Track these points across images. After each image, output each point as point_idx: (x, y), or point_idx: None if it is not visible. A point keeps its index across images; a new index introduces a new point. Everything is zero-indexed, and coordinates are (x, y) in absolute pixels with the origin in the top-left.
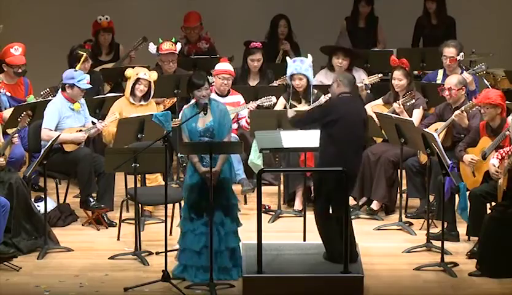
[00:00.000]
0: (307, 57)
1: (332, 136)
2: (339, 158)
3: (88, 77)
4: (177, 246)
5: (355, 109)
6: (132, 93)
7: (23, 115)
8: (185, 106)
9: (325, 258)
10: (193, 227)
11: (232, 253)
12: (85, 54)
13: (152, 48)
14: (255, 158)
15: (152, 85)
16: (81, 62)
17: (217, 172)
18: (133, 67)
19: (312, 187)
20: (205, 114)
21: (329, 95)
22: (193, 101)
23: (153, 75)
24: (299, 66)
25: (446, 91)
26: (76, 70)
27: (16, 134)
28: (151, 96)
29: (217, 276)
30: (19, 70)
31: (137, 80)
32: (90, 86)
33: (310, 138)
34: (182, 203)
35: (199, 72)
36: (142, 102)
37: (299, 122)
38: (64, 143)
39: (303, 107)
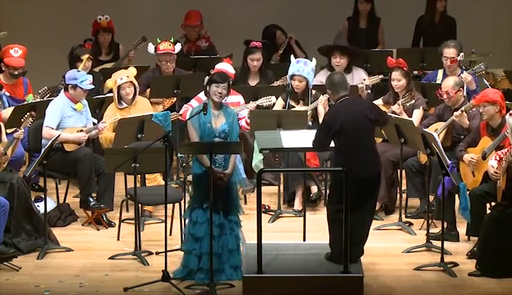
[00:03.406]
0: (311, 60)
1: (339, 145)
2: (345, 165)
3: (90, 77)
4: (177, 246)
5: (355, 112)
6: (121, 100)
7: (26, 115)
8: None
9: (326, 258)
10: (207, 230)
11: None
12: (88, 54)
13: (150, 48)
14: (259, 161)
15: (135, 82)
16: (84, 61)
17: (229, 174)
18: (132, 67)
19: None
20: (205, 114)
21: (327, 95)
22: (197, 105)
23: (131, 72)
24: (302, 68)
25: (444, 94)
26: (79, 71)
27: (22, 129)
28: (138, 91)
29: (229, 276)
30: (16, 72)
31: (119, 87)
32: (93, 86)
33: (310, 138)
34: (183, 204)
35: (224, 73)
36: (134, 102)
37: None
38: (64, 143)
39: (301, 107)
